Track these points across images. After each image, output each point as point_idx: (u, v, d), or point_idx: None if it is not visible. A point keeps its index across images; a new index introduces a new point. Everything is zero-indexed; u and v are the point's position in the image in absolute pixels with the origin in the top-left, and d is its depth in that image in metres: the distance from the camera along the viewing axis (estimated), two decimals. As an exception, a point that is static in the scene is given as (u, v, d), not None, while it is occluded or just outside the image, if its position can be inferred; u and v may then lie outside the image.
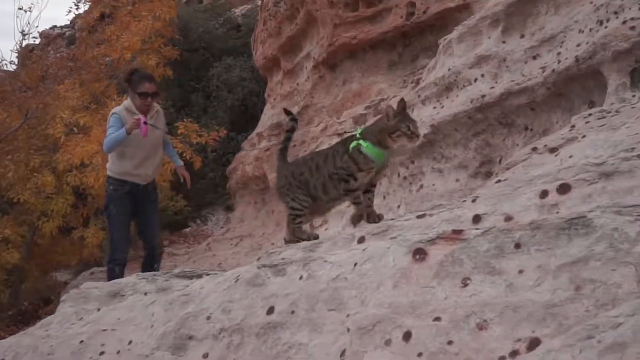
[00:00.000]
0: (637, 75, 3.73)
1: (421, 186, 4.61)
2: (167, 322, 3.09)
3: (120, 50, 9.84)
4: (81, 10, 12.63)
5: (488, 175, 4.06)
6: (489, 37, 4.96)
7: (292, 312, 2.60)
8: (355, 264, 2.51)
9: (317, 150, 4.02)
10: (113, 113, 5.15)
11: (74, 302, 3.85)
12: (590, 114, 3.48)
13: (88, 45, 10.64)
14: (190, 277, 3.72)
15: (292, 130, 3.71)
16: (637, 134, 2.73)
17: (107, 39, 10.39)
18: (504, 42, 4.82)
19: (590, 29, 4.15)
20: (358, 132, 3.22)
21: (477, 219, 2.41)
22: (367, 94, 6.78)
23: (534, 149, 3.30)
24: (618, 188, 2.20)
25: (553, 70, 4.23)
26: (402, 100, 3.14)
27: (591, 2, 4.35)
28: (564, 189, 2.33)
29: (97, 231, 9.15)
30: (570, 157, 2.84)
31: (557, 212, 2.23)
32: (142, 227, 5.47)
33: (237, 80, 13.73)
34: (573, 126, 3.32)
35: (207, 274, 3.64)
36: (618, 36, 3.83)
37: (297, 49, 9.30)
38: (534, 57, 4.53)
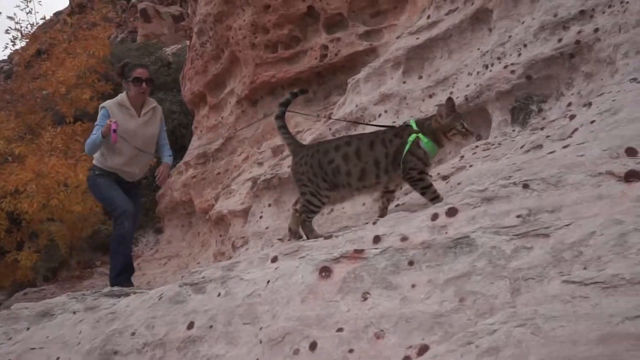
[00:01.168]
0: (517, 113, 3.89)
1: (332, 210, 4.62)
2: (94, 339, 2.99)
3: (55, 85, 9.64)
4: (18, 47, 12.29)
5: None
6: (392, 78, 5.08)
7: (211, 326, 2.57)
8: (268, 281, 2.50)
9: (342, 137, 3.57)
10: (102, 107, 4.49)
11: (4, 322, 3.67)
12: (477, 146, 3.61)
13: (24, 80, 10.46)
14: (119, 296, 3.61)
15: (287, 103, 3.28)
16: (514, 163, 2.85)
17: (43, 73, 10.22)
18: (404, 82, 4.94)
19: (478, 72, 4.31)
20: (412, 123, 2.93)
21: (377, 239, 2.44)
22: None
23: (437, 175, 3.39)
24: (497, 211, 2.28)
25: (446, 108, 4.38)
26: (450, 99, 2.91)
27: (478, 49, 4.53)
28: (452, 212, 2.39)
29: (30, 254, 8.88)
30: (459, 184, 2.94)
31: (446, 233, 2.29)
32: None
33: (167, 113, 13.54)
34: (462, 157, 3.44)
35: (135, 293, 3.55)
36: (500, 79, 3.99)
37: (222, 86, 9.28)
38: (430, 96, 4.67)
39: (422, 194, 2.80)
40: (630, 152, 2.53)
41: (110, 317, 3.15)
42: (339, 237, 2.63)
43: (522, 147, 3.10)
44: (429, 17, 5.25)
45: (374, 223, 2.68)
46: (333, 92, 6.83)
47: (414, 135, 2.82)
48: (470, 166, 3.19)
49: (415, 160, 2.80)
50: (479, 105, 4.11)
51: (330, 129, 5.39)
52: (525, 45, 4.03)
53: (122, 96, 4.53)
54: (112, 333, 2.93)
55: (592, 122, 2.94)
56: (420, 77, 4.85)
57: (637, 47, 3.38)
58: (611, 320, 1.48)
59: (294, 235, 3.11)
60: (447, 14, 5.01)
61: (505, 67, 3.99)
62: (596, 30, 3.70)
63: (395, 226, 2.52)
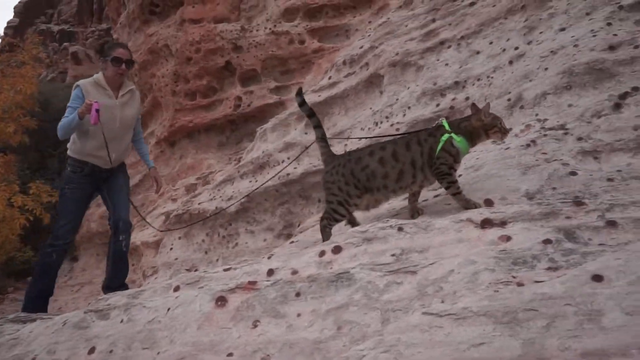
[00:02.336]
0: (398, 164, 4.05)
1: (236, 244, 4.57)
2: (-7, 365, 2.75)
3: (-21, 118, 9.01)
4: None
5: (289, 236, 4.14)
6: (295, 129, 5.15)
7: (111, 351, 2.42)
8: (169, 309, 2.41)
9: (374, 143, 3.17)
10: (76, 86, 3.72)
11: None
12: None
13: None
14: (25, 322, 3.34)
15: (312, 114, 3.11)
16: (394, 208, 2.94)
17: (-31, 106, 9.50)
18: (306, 133, 5.02)
19: (369, 128, 4.45)
20: (445, 123, 2.78)
21: (270, 272, 2.42)
22: (199, 167, 6.72)
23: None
24: (375, 250, 2.33)
25: (341, 157, 4.47)
26: (488, 104, 2.80)
27: (370, 108, 4.70)
28: (337, 250, 2.41)
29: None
30: (345, 225, 2.99)
31: (331, 268, 2.30)
32: (109, 201, 3.83)
33: (92, 148, 13.18)
34: (351, 201, 3.52)
35: (42, 319, 3.31)
36: (386, 134, 4.15)
37: (144, 127, 9.09)
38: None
39: (447, 187, 2.69)
40: (488, 202, 2.69)
41: (13, 343, 2.90)
42: (237, 269, 2.58)
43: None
44: (330, 78, 5.41)
45: (269, 257, 2.67)
46: (244, 139, 6.84)
47: (447, 135, 2.70)
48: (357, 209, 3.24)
49: (448, 156, 2.68)
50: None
51: (239, 172, 5.37)
52: (409, 108, 4.23)
53: (97, 76, 3.77)
54: (13, 359, 2.70)
55: (460, 175, 3.10)
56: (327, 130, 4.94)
57: (497, 114, 3.64)
58: (460, 347, 1.54)
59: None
60: (345, 77, 5.18)
61: (392, 125, 4.15)
62: (467, 98, 3.95)
63: (288, 261, 2.51)
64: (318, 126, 3.04)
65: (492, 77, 3.89)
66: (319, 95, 5.21)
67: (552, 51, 3.65)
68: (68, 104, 3.67)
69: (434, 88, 4.16)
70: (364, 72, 4.96)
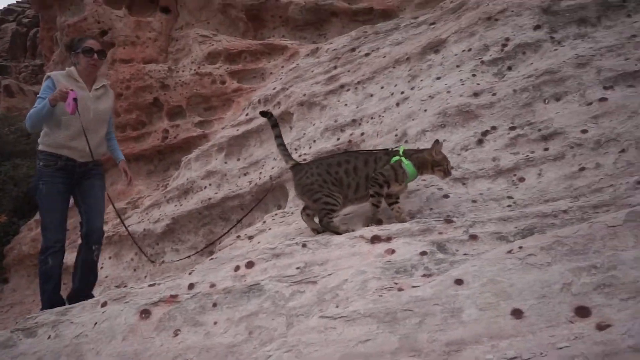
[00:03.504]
0: (306, 190, 4.13)
1: (163, 261, 4.43)
2: None
3: None
4: None
5: (210, 253, 4.08)
6: (216, 159, 5.11)
7: (36, 366, 2.27)
8: (96, 323, 2.31)
9: (345, 152, 3.27)
10: (48, 77, 3.23)
11: None
12: (276, 214, 3.73)
13: None
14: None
15: (276, 125, 3.03)
16: (300, 228, 3.00)
17: None
18: (226, 162, 5.00)
19: (280, 158, 4.50)
20: (401, 149, 2.81)
21: (191, 286, 2.39)
22: (129, 193, 6.45)
23: (238, 237, 3.40)
24: (283, 264, 2.37)
25: (256, 184, 4.49)
26: (440, 144, 2.80)
27: (282, 142, 4.76)
28: (250, 265, 2.43)
29: None
30: (259, 242, 3.00)
31: (244, 281, 2.31)
32: (82, 206, 3.27)
33: (24, 177, 12.18)
34: (264, 222, 3.52)
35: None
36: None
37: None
38: (245, 174, 4.76)
39: (371, 195, 2.71)
40: (378, 221, 2.82)
41: None
42: (161, 285, 2.52)
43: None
44: (247, 114, 5.43)
45: (190, 273, 2.62)
46: (171, 167, 6.66)
47: (397, 157, 2.74)
48: (270, 229, 3.27)
49: (391, 172, 2.70)
50: (280, 183, 4.28)
51: (165, 197, 5.23)
52: (314, 141, 4.33)
53: (70, 69, 3.31)
54: None
55: (355, 199, 3.23)
56: (238, 160, 4.94)
57: (387, 147, 3.82)
58: (349, 344, 1.60)
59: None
60: (261, 114, 5.23)
61: (300, 155, 4.22)
62: (362, 133, 4.11)
63: (206, 275, 2.49)
64: (278, 136, 3.02)
65: (382, 116, 4.08)
66: (237, 130, 5.21)
67: (430, 96, 3.90)
68: (38, 95, 3.21)
69: (335, 124, 4.30)
70: (276, 110, 5.04)
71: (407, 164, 2.72)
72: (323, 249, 2.43)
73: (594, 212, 2.30)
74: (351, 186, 2.75)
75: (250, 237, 3.25)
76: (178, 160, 6.10)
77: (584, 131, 3.02)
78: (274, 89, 5.32)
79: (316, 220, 2.87)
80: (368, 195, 2.75)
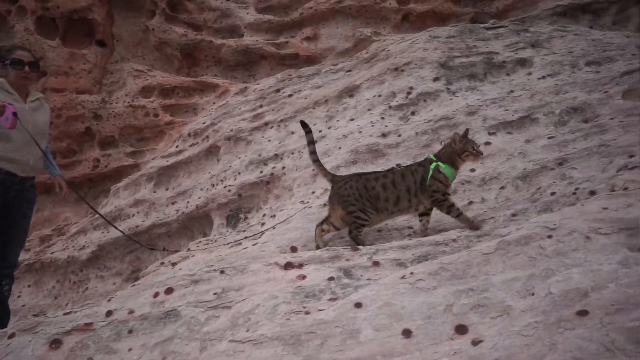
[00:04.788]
0: (230, 219, 4.06)
1: (87, 288, 4.14)
2: None
3: None
4: None
5: (136, 279, 3.88)
6: (145, 188, 4.92)
7: None
8: None
9: (381, 170, 2.96)
10: None
11: None
12: (200, 241, 3.64)
13: None
14: None
15: (312, 142, 2.89)
16: (220, 255, 2.93)
17: None
18: (154, 192, 4.82)
19: (207, 189, 4.42)
20: (432, 156, 2.67)
21: (109, 313, 2.25)
22: (55, 220, 6.00)
23: (162, 263, 3.27)
24: (201, 290, 2.30)
25: (183, 212, 4.36)
26: (466, 130, 2.68)
27: (209, 172, 4.68)
28: (169, 291, 2.34)
29: None
30: (180, 269, 2.90)
31: (162, 307, 2.22)
32: (4, 235, 2.84)
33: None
34: (189, 249, 3.42)
35: None
36: (221, 195, 4.16)
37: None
38: (173, 203, 4.62)
39: (448, 212, 2.56)
40: (293, 249, 2.83)
41: None
42: (77, 312, 2.35)
43: (228, 243, 3.21)
44: (177, 146, 5.31)
45: (109, 300, 2.47)
46: (100, 195, 6.30)
47: (434, 164, 2.61)
48: (193, 256, 3.18)
49: (438, 183, 2.57)
50: (206, 212, 4.19)
51: (92, 224, 4.93)
52: (239, 173, 4.30)
53: (2, 80, 2.91)
54: None
55: (274, 227, 3.22)
56: (167, 189, 4.79)
57: (305, 181, 3.86)
58: (256, 366, 1.58)
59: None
60: (190, 146, 5.13)
61: (225, 187, 4.17)
62: (283, 167, 4.14)
63: (126, 302, 2.36)
64: (313, 152, 2.90)
65: (302, 152, 4.15)
66: (167, 161, 5.07)
67: (344, 135, 4.03)
68: None
69: (259, 158, 4.30)
70: (205, 143, 4.97)
71: (444, 167, 2.60)
72: (240, 275, 2.39)
73: (477, 240, 2.46)
74: (390, 200, 2.66)
75: (174, 264, 3.13)
76: (108, 188, 5.80)
77: (473, 170, 3.24)
78: (203, 123, 5.26)
79: (325, 237, 2.83)
80: (409, 209, 2.67)
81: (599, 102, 3.20)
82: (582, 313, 1.40)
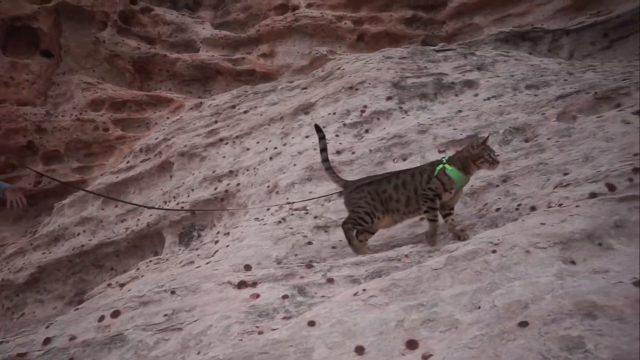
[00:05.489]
0: (183, 237, 3.97)
1: (23, 314, 3.89)
2: None
3: None
4: None
5: (80, 302, 3.69)
6: (93, 205, 4.73)
7: None
8: None
9: (392, 171, 2.92)
10: None
11: None
12: (151, 260, 3.53)
13: None
14: None
15: (325, 149, 2.88)
16: (172, 274, 2.84)
17: None
18: (102, 209, 4.65)
19: (160, 205, 4.31)
20: (445, 158, 2.59)
21: (47, 341, 2.13)
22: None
23: (109, 285, 3.14)
24: (150, 312, 2.22)
25: (133, 230, 4.22)
26: (487, 137, 2.62)
27: (161, 189, 4.57)
28: (115, 314, 2.25)
29: None
30: (129, 290, 2.79)
31: (108, 331, 2.13)
32: None
33: None
34: (138, 268, 3.31)
35: None
36: (173, 212, 4.07)
37: None
38: (122, 221, 4.47)
39: (425, 211, 2.50)
40: (247, 267, 2.79)
41: None
42: (10, 342, 2.21)
43: (180, 262, 3.14)
44: (128, 162, 5.15)
45: (47, 327, 2.34)
46: (43, 213, 6.00)
47: (440, 165, 2.54)
48: (142, 276, 3.07)
49: (438, 183, 2.49)
50: (157, 230, 4.08)
51: (31, 244, 4.67)
52: (193, 190, 4.23)
53: None
54: None
55: (228, 245, 3.17)
56: (116, 206, 4.62)
57: (260, 198, 3.85)
58: (206, 390, 1.54)
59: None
60: (141, 162, 4.99)
61: (178, 203, 4.09)
62: (238, 184, 4.11)
63: (67, 328, 2.24)
64: (326, 159, 2.92)
65: (257, 169, 4.14)
66: (117, 177, 4.91)
67: (299, 152, 4.05)
68: None
69: (213, 175, 4.25)
70: (157, 159, 4.85)
71: (450, 169, 2.51)
72: (192, 295, 2.34)
73: (428, 255, 2.53)
74: (401, 200, 2.63)
75: (122, 285, 3.02)
76: (52, 206, 5.54)
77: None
78: (156, 138, 5.14)
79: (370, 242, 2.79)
80: (420, 209, 2.59)
81: (537, 123, 3.39)
82: (523, 324, 1.46)
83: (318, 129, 3.00)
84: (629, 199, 1.87)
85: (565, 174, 2.69)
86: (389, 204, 2.66)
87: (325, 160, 2.93)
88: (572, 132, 3.18)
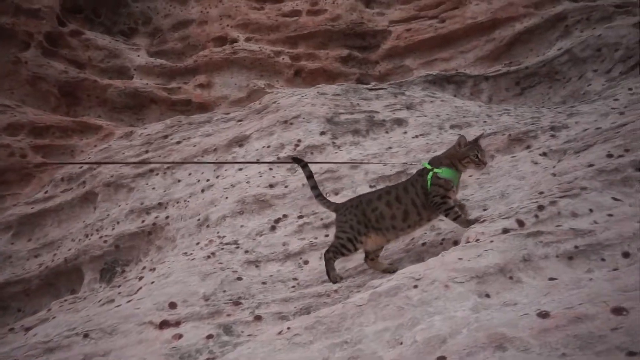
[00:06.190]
0: (105, 273, 3.74)
1: None
2: None
3: None
4: None
5: None
6: (1, 239, 4.36)
7: None
8: None
9: (383, 187, 2.91)
10: None
11: None
12: (66, 299, 3.28)
13: None
14: None
15: (311, 175, 2.85)
16: (88, 315, 2.66)
17: None
18: (12, 243, 4.29)
19: (80, 239, 4.06)
20: (425, 164, 2.58)
21: None
22: None
23: (11, 329, 2.87)
24: (58, 358, 2.06)
25: (47, 267, 3.92)
26: (480, 135, 2.60)
27: (84, 221, 4.31)
28: (18, 361, 2.06)
29: None
30: (35, 335, 2.56)
31: (8, 381, 1.94)
32: None
33: None
34: (50, 309, 3.06)
35: None
36: (95, 246, 3.84)
37: None
38: (36, 256, 4.14)
39: (446, 215, 2.49)
40: (172, 305, 2.67)
41: None
42: None
43: (99, 301, 2.95)
44: (46, 192, 4.83)
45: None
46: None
47: (430, 173, 2.51)
48: (54, 317, 2.85)
49: (438, 188, 2.48)
50: (76, 266, 3.82)
51: None
52: (118, 222, 4.03)
53: None
54: None
55: (153, 282, 3.02)
56: (30, 240, 4.29)
57: (190, 232, 3.73)
58: None
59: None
60: (62, 192, 4.70)
61: (101, 237, 3.87)
62: (167, 217, 3.97)
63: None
64: (315, 187, 2.87)
65: (188, 201, 4.03)
66: (32, 207, 4.58)
67: (232, 185, 4.00)
68: None
69: (141, 207, 4.09)
70: (80, 189, 4.60)
71: (441, 171, 2.51)
72: (108, 337, 2.19)
73: (357, 290, 2.56)
74: (397, 217, 2.56)
75: (28, 329, 2.77)
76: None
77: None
78: (80, 167, 4.88)
79: (381, 260, 2.75)
80: (421, 221, 2.59)
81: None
82: (441, 359, 1.50)
83: (297, 160, 3.02)
84: (535, 234, 2.01)
85: (485, 210, 2.85)
86: (381, 222, 2.59)
87: (313, 187, 2.89)
88: (490, 170, 3.40)
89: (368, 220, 2.62)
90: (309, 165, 2.94)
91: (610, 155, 2.68)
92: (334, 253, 2.69)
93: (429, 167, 2.58)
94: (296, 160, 3.03)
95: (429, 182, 2.52)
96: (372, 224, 2.61)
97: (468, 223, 2.45)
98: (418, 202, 2.55)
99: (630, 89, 3.99)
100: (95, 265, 3.76)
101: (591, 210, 2.15)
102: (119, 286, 3.30)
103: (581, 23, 5.41)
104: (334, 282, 2.67)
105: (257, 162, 4.19)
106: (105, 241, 3.83)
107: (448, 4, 6.40)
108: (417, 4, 6.58)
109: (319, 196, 2.89)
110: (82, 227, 4.16)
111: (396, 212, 2.56)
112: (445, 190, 2.50)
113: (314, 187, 2.89)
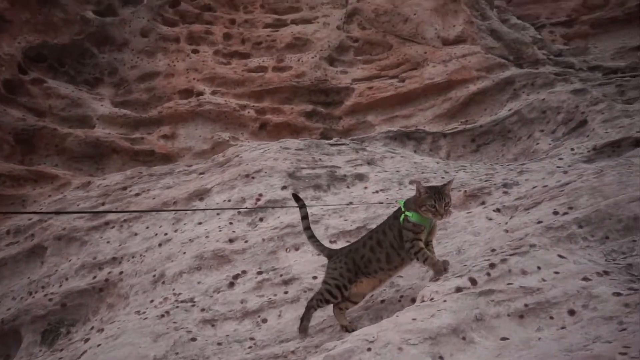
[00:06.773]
0: (47, 335, 3.50)
1: None
2: None
3: None
4: None
5: None
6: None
7: None
8: None
9: (366, 234, 2.85)
10: None
11: None
12: (0, 365, 3.06)
13: None
14: None
15: (306, 216, 2.88)
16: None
17: None
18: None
19: (22, 297, 3.83)
20: (401, 203, 2.60)
21: None
22: None
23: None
24: None
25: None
26: (449, 181, 2.58)
27: (28, 277, 4.10)
28: None
29: None
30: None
31: None
32: None
33: None
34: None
35: None
36: (39, 305, 3.63)
37: None
38: (-30, 315, 3.86)
39: (415, 259, 2.53)
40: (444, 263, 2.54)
41: None
42: None
43: (39, 365, 2.76)
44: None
45: None
46: None
47: (402, 215, 2.54)
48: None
49: (407, 232, 2.51)
50: (14, 328, 3.57)
51: None
52: (67, 279, 3.85)
53: None
54: None
55: (99, 345, 2.87)
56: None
57: (144, 288, 3.60)
58: None
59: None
60: (7, 245, 4.47)
61: (46, 295, 3.67)
62: (121, 272, 3.83)
63: None
64: (308, 228, 2.88)
65: (144, 256, 3.91)
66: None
67: (190, 239, 3.93)
68: None
69: (93, 262, 3.94)
70: (28, 242, 4.39)
71: (411, 215, 2.50)
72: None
73: (315, 351, 2.50)
74: (381, 260, 2.61)
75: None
76: None
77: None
78: (30, 219, 4.68)
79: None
80: (404, 262, 2.61)
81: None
82: None
83: (296, 197, 3.03)
84: (487, 293, 2.05)
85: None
86: (369, 267, 2.63)
87: (307, 228, 2.89)
88: (447, 225, 3.48)
89: (358, 268, 2.67)
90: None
91: (556, 213, 2.81)
92: (317, 301, 2.72)
93: (403, 208, 2.59)
94: (296, 197, 3.04)
95: (401, 224, 2.56)
96: (362, 270, 2.66)
97: (437, 264, 2.51)
98: (396, 245, 2.59)
99: (572, 149, 4.26)
100: (37, 327, 3.53)
101: (539, 268, 2.22)
102: (61, 350, 3.10)
103: (527, 87, 5.81)
104: (301, 332, 2.72)
105: (238, 207, 4.15)
106: (50, 299, 3.63)
107: (407, 65, 6.74)
108: (378, 64, 6.91)
109: (312, 238, 2.89)
110: (26, 284, 3.93)
111: (380, 256, 2.61)
112: (415, 234, 2.52)
113: (307, 228, 2.90)
